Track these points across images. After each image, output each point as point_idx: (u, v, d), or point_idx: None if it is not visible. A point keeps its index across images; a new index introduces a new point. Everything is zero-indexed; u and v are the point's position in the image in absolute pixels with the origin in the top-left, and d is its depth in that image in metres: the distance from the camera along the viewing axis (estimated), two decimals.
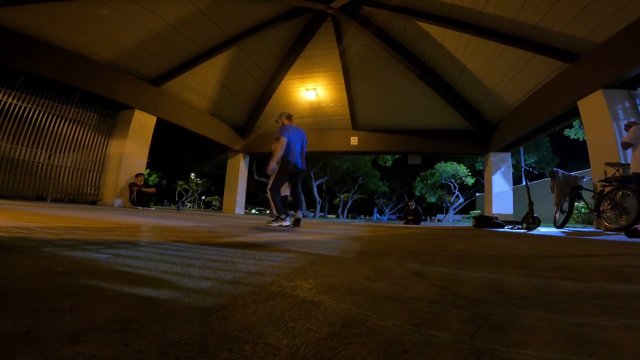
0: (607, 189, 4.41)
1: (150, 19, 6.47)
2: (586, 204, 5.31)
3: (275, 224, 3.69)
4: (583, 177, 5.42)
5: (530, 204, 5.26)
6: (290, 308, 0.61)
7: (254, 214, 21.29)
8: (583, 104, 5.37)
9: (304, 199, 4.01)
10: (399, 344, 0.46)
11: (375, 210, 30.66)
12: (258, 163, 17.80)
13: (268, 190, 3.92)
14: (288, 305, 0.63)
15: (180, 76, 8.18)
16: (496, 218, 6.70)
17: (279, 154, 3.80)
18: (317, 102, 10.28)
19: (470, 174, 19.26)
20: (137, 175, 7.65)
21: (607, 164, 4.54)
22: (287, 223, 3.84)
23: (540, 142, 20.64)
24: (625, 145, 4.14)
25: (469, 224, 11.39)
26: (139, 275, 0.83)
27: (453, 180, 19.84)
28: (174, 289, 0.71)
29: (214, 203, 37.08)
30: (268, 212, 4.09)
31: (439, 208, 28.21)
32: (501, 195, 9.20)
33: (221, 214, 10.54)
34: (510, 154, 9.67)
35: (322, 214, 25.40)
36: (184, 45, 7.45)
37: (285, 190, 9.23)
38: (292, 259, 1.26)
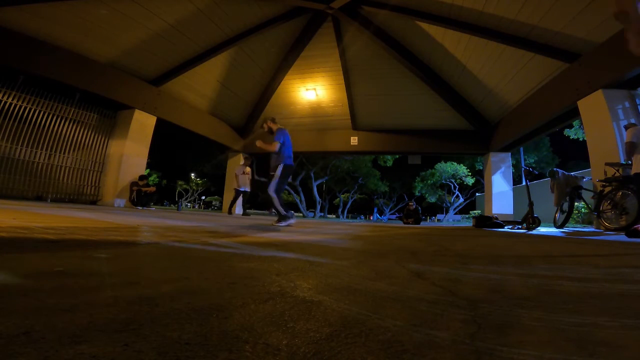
0: (607, 189, 4.40)
1: (150, 19, 6.47)
2: (586, 204, 5.31)
3: (283, 224, 3.84)
4: (583, 177, 5.42)
5: (530, 204, 5.26)
6: (290, 308, 0.61)
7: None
8: (583, 104, 5.37)
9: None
10: (399, 344, 0.46)
11: (375, 210, 30.65)
12: (258, 163, 17.75)
13: (272, 192, 4.05)
14: (288, 305, 0.63)
15: (180, 76, 8.18)
16: (496, 218, 6.69)
17: (269, 149, 4.17)
18: (317, 102, 10.27)
19: (470, 174, 19.25)
20: (141, 179, 7.65)
21: (607, 164, 4.53)
22: (293, 221, 4.02)
23: (540, 142, 20.61)
24: (630, 146, 4.03)
25: (469, 224, 11.39)
26: (139, 275, 0.83)
27: (453, 180, 19.83)
28: (174, 288, 0.71)
29: (214, 203, 37.06)
30: (274, 212, 4.18)
31: (439, 208, 28.18)
32: (501, 195, 9.20)
33: (221, 213, 10.54)
34: (510, 154, 9.66)
35: (322, 214, 25.40)
36: (184, 45, 7.45)
37: (247, 186, 8.57)
38: (292, 259, 1.26)
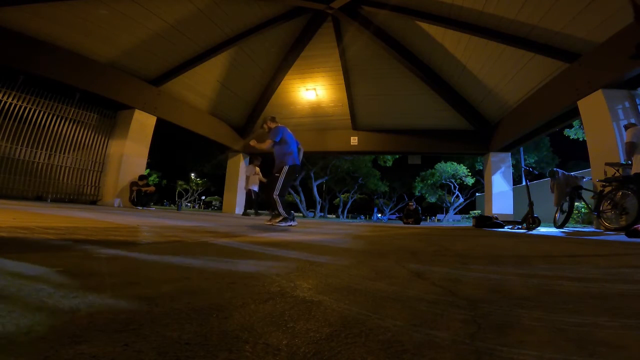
0: (607, 189, 4.40)
1: (150, 19, 6.47)
2: (586, 204, 5.31)
3: (283, 224, 3.83)
4: (583, 177, 5.42)
5: (530, 204, 5.26)
6: (290, 308, 0.61)
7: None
8: (583, 104, 5.37)
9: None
10: (399, 344, 0.46)
11: (375, 210, 30.67)
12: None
13: (275, 196, 3.98)
14: (288, 305, 0.63)
15: (180, 76, 8.18)
16: (496, 218, 6.69)
17: (261, 147, 4.12)
18: (317, 102, 10.27)
19: (470, 174, 19.26)
20: (141, 179, 7.65)
21: (607, 164, 4.53)
22: (295, 223, 3.99)
23: (540, 142, 20.61)
24: (630, 146, 4.03)
25: (469, 224, 11.39)
26: (139, 275, 0.83)
27: (453, 180, 19.84)
28: (174, 288, 0.71)
29: (214, 203, 37.08)
30: (275, 212, 4.11)
31: (439, 208, 28.21)
32: (501, 195, 9.20)
33: (221, 213, 10.54)
34: (510, 154, 9.66)
35: (322, 214, 25.40)
36: (184, 45, 7.45)
37: (257, 185, 8.52)
38: (292, 259, 1.26)
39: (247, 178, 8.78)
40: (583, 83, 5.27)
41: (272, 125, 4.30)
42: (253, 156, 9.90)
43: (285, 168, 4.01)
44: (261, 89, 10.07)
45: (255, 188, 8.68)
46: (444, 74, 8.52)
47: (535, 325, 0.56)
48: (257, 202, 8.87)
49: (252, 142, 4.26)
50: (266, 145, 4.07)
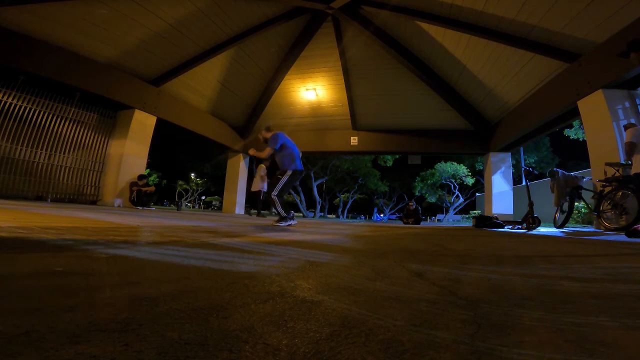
0: (607, 189, 4.40)
1: (150, 19, 6.47)
2: (586, 204, 5.31)
3: (283, 224, 3.86)
4: (583, 177, 5.42)
5: (530, 204, 5.26)
6: (290, 308, 0.61)
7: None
8: (583, 104, 5.37)
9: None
10: (399, 344, 0.46)
11: (375, 210, 30.68)
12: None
13: (274, 196, 4.01)
14: (288, 305, 0.63)
15: (180, 76, 8.18)
16: (496, 218, 6.69)
17: (261, 155, 4.23)
18: (317, 102, 10.28)
19: (470, 174, 19.26)
20: (141, 178, 7.65)
21: (607, 164, 4.53)
22: (294, 222, 4.03)
23: (540, 142, 20.62)
24: (630, 146, 4.02)
25: (469, 224, 11.39)
26: (139, 275, 0.83)
27: (453, 180, 19.84)
28: (175, 288, 0.71)
29: (214, 203, 37.10)
30: (274, 212, 4.14)
31: (439, 208, 28.23)
32: (501, 195, 9.20)
33: (221, 214, 10.54)
34: (510, 154, 9.66)
35: (322, 214, 25.40)
36: (184, 45, 7.45)
37: (264, 186, 8.49)
38: (292, 259, 1.26)
39: (261, 177, 8.73)
40: (583, 83, 5.27)
41: (268, 134, 4.26)
42: (266, 158, 9.84)
43: (289, 172, 4.06)
44: (261, 89, 10.07)
45: (265, 188, 8.67)
46: (444, 74, 8.52)
47: (535, 325, 0.56)
48: (262, 202, 8.88)
49: (251, 152, 4.31)
50: (266, 153, 4.13)
